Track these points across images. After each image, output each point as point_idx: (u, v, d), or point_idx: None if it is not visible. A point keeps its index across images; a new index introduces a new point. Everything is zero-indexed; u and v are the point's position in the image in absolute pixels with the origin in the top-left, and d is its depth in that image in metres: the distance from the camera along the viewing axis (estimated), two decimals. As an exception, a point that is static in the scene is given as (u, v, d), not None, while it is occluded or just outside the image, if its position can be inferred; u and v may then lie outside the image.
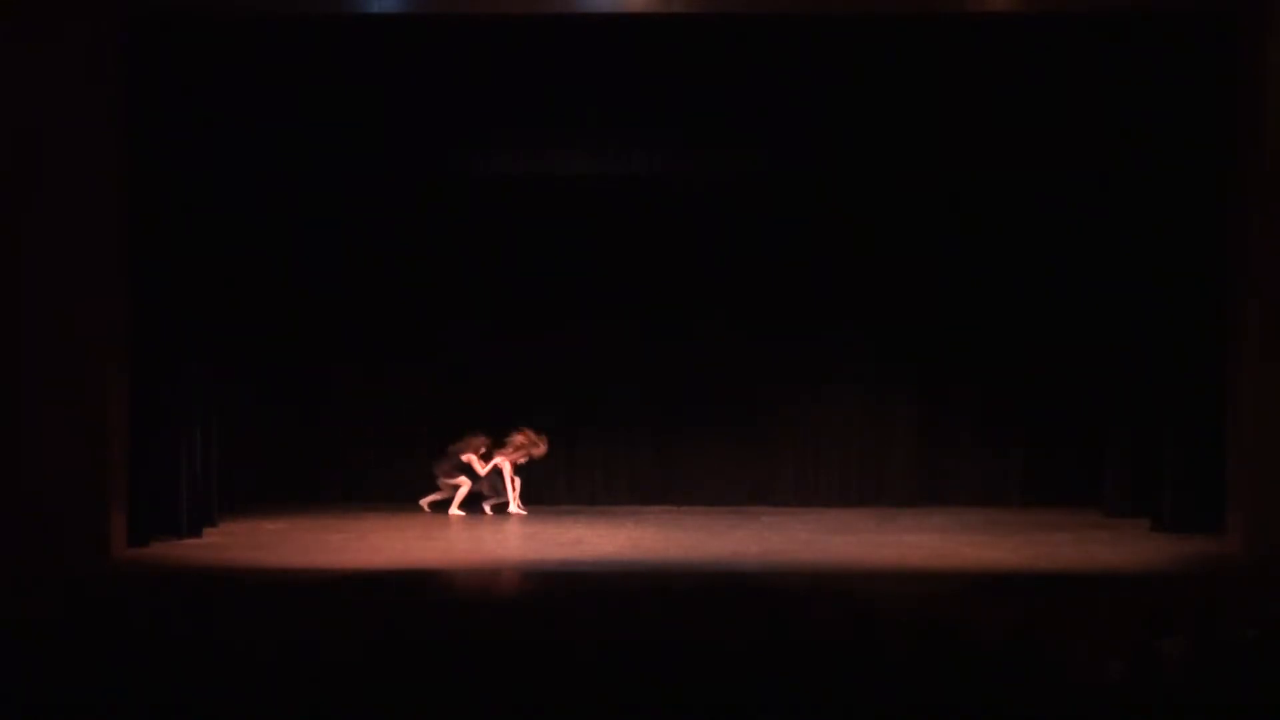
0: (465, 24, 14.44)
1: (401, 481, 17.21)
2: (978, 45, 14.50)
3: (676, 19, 14.24)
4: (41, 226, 13.19)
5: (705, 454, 17.21)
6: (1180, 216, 14.62)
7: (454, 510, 16.31)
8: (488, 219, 16.97)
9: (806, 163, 15.89)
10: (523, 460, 16.41)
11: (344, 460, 17.26)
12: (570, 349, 16.99)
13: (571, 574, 12.85)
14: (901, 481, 17.10)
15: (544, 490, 16.82)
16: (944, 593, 11.70)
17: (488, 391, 16.92)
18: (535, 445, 16.32)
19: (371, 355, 17.15)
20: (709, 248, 16.96)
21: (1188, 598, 10.34)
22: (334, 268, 17.02)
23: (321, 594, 11.38)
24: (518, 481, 16.41)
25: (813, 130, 15.31)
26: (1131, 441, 15.61)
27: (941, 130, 15.19)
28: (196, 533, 14.73)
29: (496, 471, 16.33)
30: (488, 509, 16.38)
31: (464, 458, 16.28)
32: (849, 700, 6.05)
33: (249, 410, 16.63)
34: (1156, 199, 14.83)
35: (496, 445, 16.35)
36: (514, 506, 16.36)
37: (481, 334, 17.03)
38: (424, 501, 16.50)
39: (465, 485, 16.32)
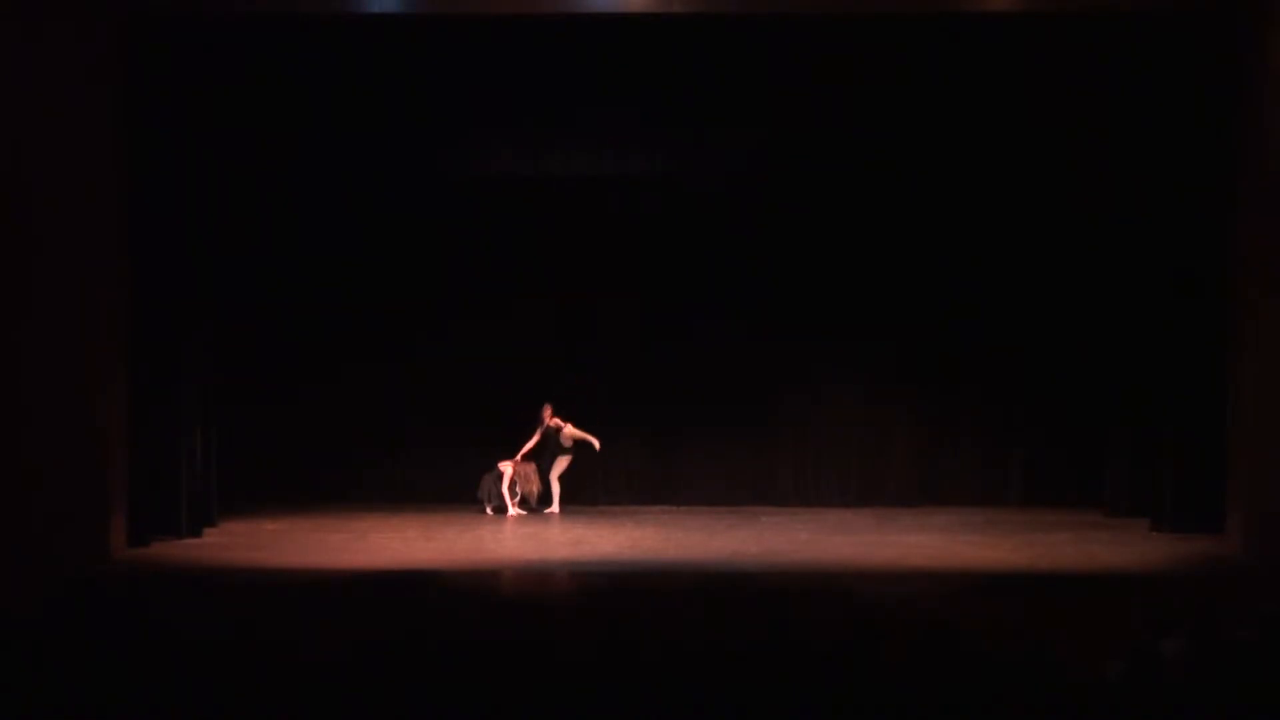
0: (465, 24, 14.46)
1: (400, 481, 17.24)
2: (977, 45, 14.52)
3: (676, 19, 14.25)
4: (41, 227, 13.18)
5: (705, 454, 17.22)
6: (1181, 217, 14.62)
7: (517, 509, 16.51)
8: (487, 219, 16.99)
9: (806, 163, 15.90)
10: (516, 476, 16.51)
11: (344, 460, 17.26)
12: (570, 349, 17.01)
13: (572, 574, 12.87)
14: (901, 481, 17.11)
15: (544, 491, 16.80)
16: (944, 593, 11.69)
17: (487, 391, 16.93)
18: (528, 480, 16.51)
19: (371, 355, 17.15)
20: (709, 248, 16.96)
21: (1188, 598, 10.34)
22: (333, 268, 17.02)
23: (322, 594, 11.37)
24: (524, 486, 16.52)
25: (812, 130, 15.33)
26: (1131, 441, 15.61)
27: (942, 131, 15.21)
28: (196, 533, 14.75)
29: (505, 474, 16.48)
30: (488, 510, 16.40)
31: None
32: (849, 700, 6.05)
33: (249, 410, 16.63)
34: (1157, 199, 14.82)
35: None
36: (512, 509, 16.39)
37: (480, 334, 17.04)
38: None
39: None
